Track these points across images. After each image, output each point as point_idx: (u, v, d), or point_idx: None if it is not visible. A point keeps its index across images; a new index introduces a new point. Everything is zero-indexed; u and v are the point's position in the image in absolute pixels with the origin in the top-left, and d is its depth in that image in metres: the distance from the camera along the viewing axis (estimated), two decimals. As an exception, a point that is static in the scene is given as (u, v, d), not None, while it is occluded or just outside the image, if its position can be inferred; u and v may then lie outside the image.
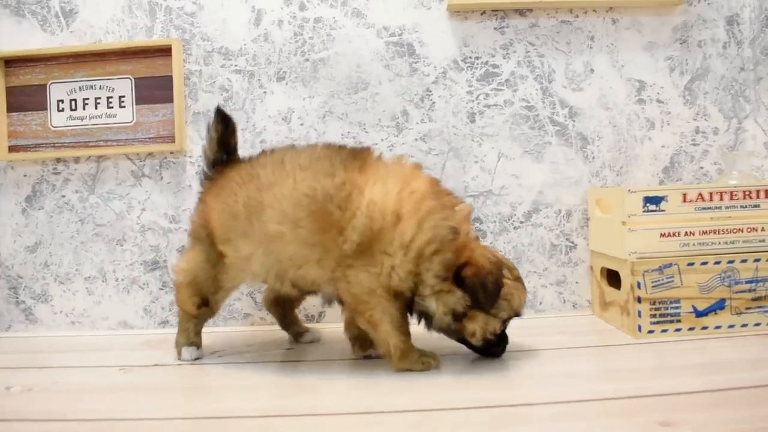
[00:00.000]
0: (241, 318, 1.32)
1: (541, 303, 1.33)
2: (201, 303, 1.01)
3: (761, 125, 1.33)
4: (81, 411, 0.81)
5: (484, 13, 1.32)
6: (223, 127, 1.05)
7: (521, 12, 1.32)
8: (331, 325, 1.28)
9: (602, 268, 1.26)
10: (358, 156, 0.94)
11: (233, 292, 1.05)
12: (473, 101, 1.32)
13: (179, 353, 1.04)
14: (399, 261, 0.87)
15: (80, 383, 0.94)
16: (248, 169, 0.98)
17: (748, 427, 0.66)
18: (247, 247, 0.94)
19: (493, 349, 0.96)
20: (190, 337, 1.04)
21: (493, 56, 1.33)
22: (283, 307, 1.15)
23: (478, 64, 1.32)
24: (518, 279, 0.94)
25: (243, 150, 1.31)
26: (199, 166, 1.31)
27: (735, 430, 0.66)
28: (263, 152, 1.02)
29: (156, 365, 1.02)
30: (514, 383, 0.87)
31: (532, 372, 0.92)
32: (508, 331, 0.98)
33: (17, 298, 1.34)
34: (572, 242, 1.33)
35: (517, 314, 0.93)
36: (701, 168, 1.35)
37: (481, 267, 0.88)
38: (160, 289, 1.32)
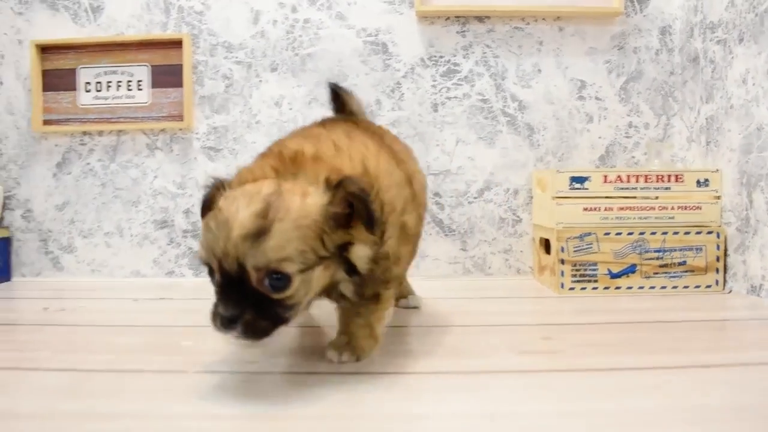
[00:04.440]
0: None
1: (489, 267, 1.56)
2: None
3: (686, 122, 1.56)
4: (102, 321, 1.05)
5: (448, 18, 1.55)
6: (334, 99, 1.14)
7: (480, 18, 1.55)
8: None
9: (540, 238, 1.49)
10: None
11: None
12: (436, 94, 1.55)
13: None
14: None
15: (102, 307, 1.19)
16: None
17: (611, 349, 0.91)
18: None
19: None
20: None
21: (455, 56, 1.56)
22: None
23: (441, 62, 1.55)
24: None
25: (240, 129, 1.55)
26: (203, 141, 1.55)
27: (595, 347, 0.90)
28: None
29: (162, 298, 1.27)
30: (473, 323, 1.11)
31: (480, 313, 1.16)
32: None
33: (47, 248, 1.59)
34: (518, 217, 1.56)
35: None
36: (633, 157, 1.58)
37: None
38: (168, 244, 1.57)
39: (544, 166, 1.56)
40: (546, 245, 1.46)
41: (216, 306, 0.64)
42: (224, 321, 0.63)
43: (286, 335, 0.95)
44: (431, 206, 1.55)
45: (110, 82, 1.56)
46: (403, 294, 1.17)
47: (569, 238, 1.35)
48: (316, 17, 1.55)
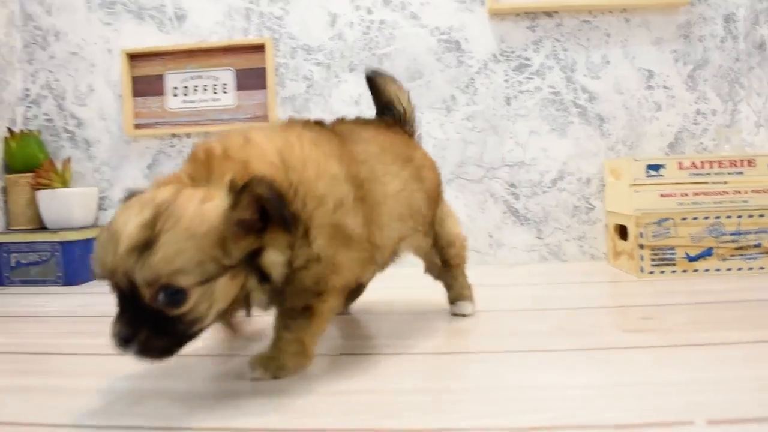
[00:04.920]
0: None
1: (565, 254, 1.62)
2: None
3: (753, 107, 1.60)
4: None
5: (518, 14, 1.60)
6: (372, 89, 1.07)
7: (549, 13, 1.60)
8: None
9: (615, 225, 1.54)
10: None
11: None
12: (509, 88, 1.61)
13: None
14: None
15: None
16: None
17: (708, 326, 0.97)
18: None
19: None
20: None
21: (526, 50, 1.61)
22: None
23: (513, 57, 1.61)
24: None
25: (322, 127, 1.62)
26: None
27: (693, 324, 0.96)
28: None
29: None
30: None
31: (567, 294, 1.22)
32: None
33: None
34: (591, 204, 1.61)
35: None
36: (701, 143, 1.62)
37: None
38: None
39: (614, 155, 1.61)
40: (621, 231, 1.51)
41: (113, 323, 0.60)
42: (119, 341, 0.59)
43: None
44: (507, 196, 1.61)
45: (196, 86, 1.64)
46: (455, 297, 1.06)
47: (648, 223, 1.40)
48: (391, 18, 1.61)
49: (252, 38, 1.63)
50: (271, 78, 1.60)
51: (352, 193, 0.74)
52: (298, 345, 0.73)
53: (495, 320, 1.01)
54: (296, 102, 1.63)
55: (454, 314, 1.04)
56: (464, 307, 1.05)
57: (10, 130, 1.63)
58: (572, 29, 1.60)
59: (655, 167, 1.43)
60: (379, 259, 0.83)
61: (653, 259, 1.41)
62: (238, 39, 1.63)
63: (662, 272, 1.40)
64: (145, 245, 0.57)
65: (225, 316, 0.68)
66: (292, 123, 0.80)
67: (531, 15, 1.60)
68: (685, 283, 1.32)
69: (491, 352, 0.82)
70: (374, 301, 1.17)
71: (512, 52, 1.61)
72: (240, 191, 0.61)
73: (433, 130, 1.61)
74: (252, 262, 0.64)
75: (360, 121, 0.95)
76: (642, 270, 1.40)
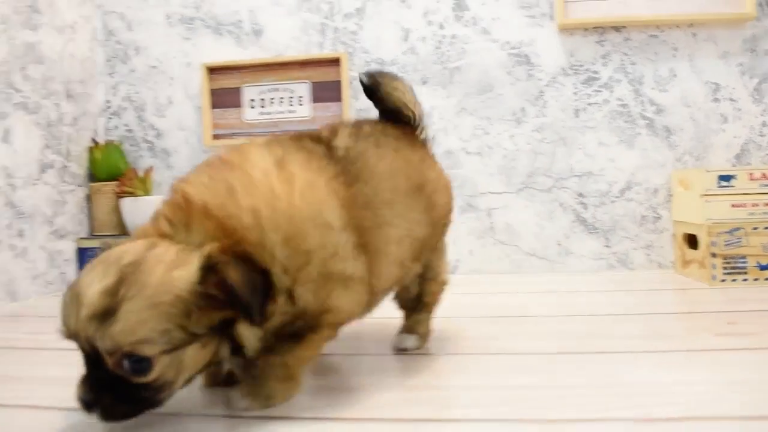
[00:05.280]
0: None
1: (632, 262, 1.65)
2: None
3: (818, 119, 1.62)
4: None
5: (587, 29, 1.65)
6: (368, 94, 0.94)
7: (617, 28, 1.64)
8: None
9: (684, 234, 1.57)
10: None
11: None
12: (578, 100, 1.65)
13: None
14: None
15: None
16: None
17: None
18: None
19: None
20: None
21: (594, 64, 1.65)
22: None
23: (581, 70, 1.65)
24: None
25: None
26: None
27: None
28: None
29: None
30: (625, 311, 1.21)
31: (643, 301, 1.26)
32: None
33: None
34: (658, 214, 1.65)
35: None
36: (767, 155, 1.65)
37: None
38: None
39: (682, 166, 1.64)
40: (690, 240, 1.54)
41: (78, 386, 0.57)
42: (82, 405, 0.57)
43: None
44: (576, 206, 1.64)
45: (273, 98, 1.70)
46: (405, 329, 0.93)
47: (720, 233, 1.43)
48: (462, 33, 1.66)
49: (328, 52, 1.68)
50: (345, 90, 1.66)
51: (351, 241, 0.68)
52: (285, 369, 0.67)
53: (582, 324, 1.05)
54: (370, 114, 1.67)
55: (396, 348, 0.90)
56: (406, 339, 0.90)
57: (94, 141, 1.70)
58: (640, 43, 1.64)
59: (726, 178, 1.46)
60: (372, 303, 0.77)
61: (725, 268, 1.44)
62: (314, 53, 1.69)
63: (734, 280, 1.43)
64: (106, 313, 0.54)
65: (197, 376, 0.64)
66: (294, 146, 0.70)
67: (599, 30, 1.64)
68: (758, 291, 1.35)
69: (594, 353, 0.86)
70: (464, 304, 1.22)
71: (581, 65, 1.65)
72: (209, 269, 0.57)
73: (503, 141, 1.66)
74: (225, 330, 0.60)
75: (378, 133, 0.81)
76: (714, 278, 1.43)
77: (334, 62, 1.67)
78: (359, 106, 1.68)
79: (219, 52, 1.73)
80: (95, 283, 0.56)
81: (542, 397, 0.69)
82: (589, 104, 1.65)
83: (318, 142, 0.73)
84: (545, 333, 1.00)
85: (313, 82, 1.69)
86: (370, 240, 0.71)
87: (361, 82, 0.91)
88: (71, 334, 0.57)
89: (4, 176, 1.47)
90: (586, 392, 0.70)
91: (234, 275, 0.57)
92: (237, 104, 1.72)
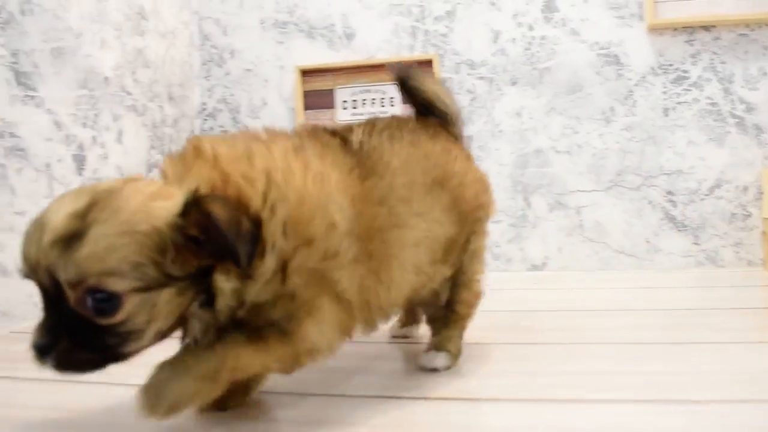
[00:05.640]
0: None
1: (722, 260, 1.67)
2: None
3: None
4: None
5: (676, 29, 1.67)
6: (406, 93, 0.88)
7: (707, 28, 1.66)
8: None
9: (775, 232, 1.59)
10: None
11: None
12: (667, 99, 1.68)
13: None
14: None
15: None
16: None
17: None
18: None
19: None
20: None
21: (683, 63, 1.67)
22: None
23: (671, 70, 1.68)
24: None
25: (485, 138, 1.72)
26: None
27: None
28: None
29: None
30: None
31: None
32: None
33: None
34: (748, 212, 1.66)
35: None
36: None
37: None
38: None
39: (771, 164, 1.65)
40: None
41: (33, 331, 0.50)
42: (35, 352, 0.50)
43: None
44: (665, 204, 1.67)
45: (365, 99, 1.76)
46: (433, 345, 0.83)
47: (816, 230, 1.45)
48: (552, 34, 1.70)
49: (419, 54, 1.73)
50: (437, 92, 1.70)
51: (353, 250, 0.62)
52: (215, 365, 0.55)
53: (682, 317, 1.08)
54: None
55: (421, 366, 0.81)
56: (436, 358, 0.81)
57: (194, 141, 1.78)
58: (729, 42, 1.66)
59: (821, 176, 1.48)
60: (371, 321, 0.69)
61: (820, 265, 1.45)
62: (406, 55, 1.74)
63: (829, 277, 1.45)
64: (72, 237, 0.48)
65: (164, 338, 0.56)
66: (311, 138, 0.66)
67: (689, 29, 1.66)
68: None
69: (708, 343, 0.90)
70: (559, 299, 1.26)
71: (670, 65, 1.67)
72: (194, 203, 0.52)
73: (592, 140, 1.69)
74: (204, 281, 0.54)
75: (394, 127, 0.76)
76: (808, 275, 1.45)
77: (426, 64, 1.72)
78: (450, 107, 1.73)
79: (311, 55, 1.79)
80: (63, 208, 0.50)
81: (658, 381, 0.74)
82: (679, 103, 1.67)
83: (333, 136, 0.69)
84: (646, 325, 1.04)
85: (404, 84, 1.73)
86: (381, 243, 0.66)
87: (397, 74, 0.86)
88: (30, 268, 0.50)
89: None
90: (694, 378, 0.74)
91: (220, 212, 0.51)
92: (330, 105, 1.78)
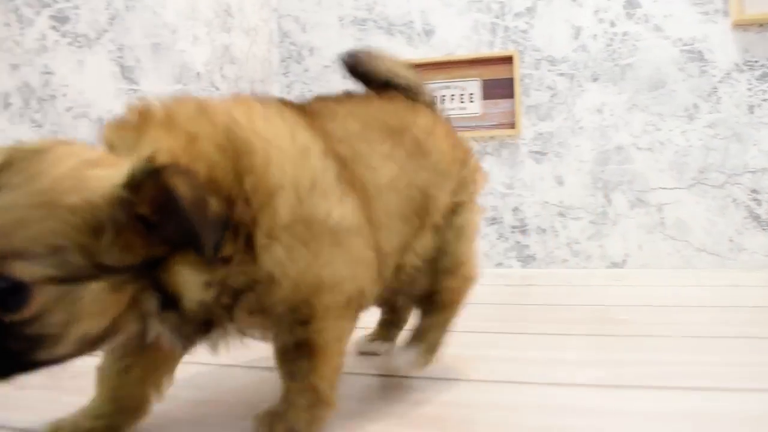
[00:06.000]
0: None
1: (807, 258, 1.65)
2: None
3: None
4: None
5: (762, 25, 1.65)
6: (354, 74, 0.82)
7: (794, 24, 1.64)
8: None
9: None
10: None
11: None
12: (752, 96, 1.66)
13: None
14: None
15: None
16: None
17: None
18: None
19: None
20: None
21: (770, 60, 1.66)
22: None
23: (756, 66, 1.66)
24: None
25: (565, 134, 1.72)
26: (529, 146, 1.73)
27: None
28: None
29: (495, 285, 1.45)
30: None
31: None
32: None
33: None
34: (835, 210, 1.64)
35: None
36: None
37: None
38: (497, 239, 1.76)
39: None
40: None
41: None
42: None
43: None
44: (749, 202, 1.65)
45: (444, 95, 1.77)
46: (409, 339, 0.71)
47: None
48: (634, 30, 1.69)
49: (499, 51, 1.74)
50: (517, 88, 1.71)
51: (333, 170, 0.53)
52: (311, 394, 0.52)
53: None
54: (540, 110, 1.74)
55: (383, 367, 0.71)
56: (401, 356, 0.69)
57: (274, 136, 1.81)
58: (818, 39, 1.64)
59: None
60: (384, 270, 0.60)
61: None
62: (484, 52, 1.75)
63: None
64: None
65: (98, 348, 0.45)
66: (267, 103, 0.57)
67: (776, 25, 1.65)
68: None
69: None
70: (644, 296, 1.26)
71: (756, 61, 1.66)
72: (148, 174, 0.41)
73: (674, 138, 1.68)
74: (153, 275, 0.43)
75: (339, 96, 0.71)
76: None
77: (506, 60, 1.73)
78: (529, 103, 1.74)
79: (390, 51, 1.81)
80: None
81: (740, 372, 0.74)
82: (764, 100, 1.65)
83: (286, 104, 0.60)
84: (728, 320, 1.03)
85: (483, 80, 1.75)
86: (356, 173, 0.57)
87: (343, 62, 0.80)
88: None
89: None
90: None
91: (183, 187, 0.40)
92: (408, 101, 1.79)
